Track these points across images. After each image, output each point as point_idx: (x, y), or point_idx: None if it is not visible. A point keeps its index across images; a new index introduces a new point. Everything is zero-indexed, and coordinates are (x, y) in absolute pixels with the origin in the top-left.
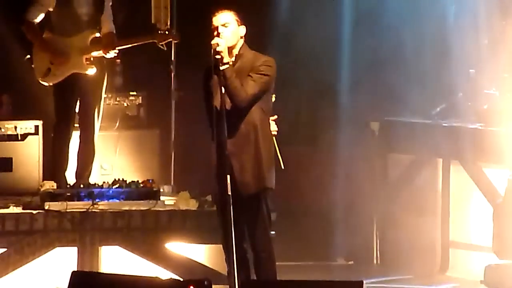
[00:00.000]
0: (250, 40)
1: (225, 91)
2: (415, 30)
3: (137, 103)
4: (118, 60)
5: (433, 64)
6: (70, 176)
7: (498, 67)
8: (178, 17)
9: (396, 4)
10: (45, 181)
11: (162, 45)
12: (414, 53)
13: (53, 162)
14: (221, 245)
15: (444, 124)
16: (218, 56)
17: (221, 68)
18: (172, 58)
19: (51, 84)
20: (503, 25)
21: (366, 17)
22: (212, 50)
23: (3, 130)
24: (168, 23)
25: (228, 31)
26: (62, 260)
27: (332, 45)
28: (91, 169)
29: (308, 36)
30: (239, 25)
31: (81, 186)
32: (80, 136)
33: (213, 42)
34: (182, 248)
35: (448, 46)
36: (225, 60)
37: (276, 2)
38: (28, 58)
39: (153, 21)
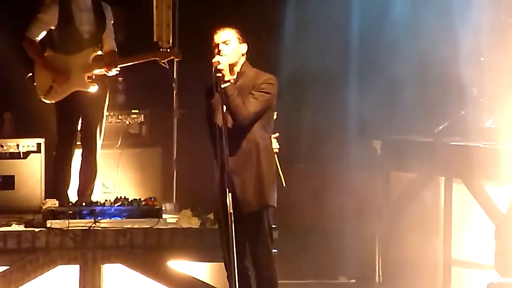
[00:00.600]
0: (254, 56)
1: (226, 109)
2: (417, 48)
3: (139, 121)
4: (121, 78)
5: (436, 82)
6: (72, 194)
7: (501, 86)
8: (180, 34)
9: (400, 22)
10: (47, 199)
11: (164, 63)
12: (416, 72)
13: (55, 181)
14: (223, 263)
15: (446, 143)
16: (219, 74)
17: (222, 86)
18: (174, 76)
19: (53, 102)
20: (504, 43)
21: (370, 35)
22: (213, 68)
23: (5, 148)
24: (170, 41)
25: (229, 48)
26: (64, 278)
27: (335, 63)
28: (93, 187)
29: (312, 54)
30: (240, 43)
31: (83, 204)
32: (82, 154)
33: (214, 60)
34: (184, 266)
35: (450, 64)
36: (226, 78)
37: (282, 19)
38: (30, 76)
39: (155, 39)
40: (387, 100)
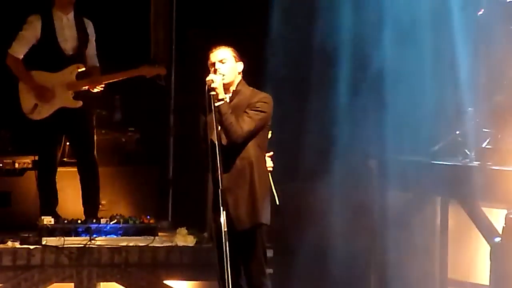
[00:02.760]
0: (248, 76)
1: (220, 127)
2: (413, 68)
3: (135, 139)
4: (117, 96)
5: (431, 102)
6: (72, 212)
7: (497, 106)
8: (177, 52)
9: (393, 42)
10: (43, 216)
11: (160, 80)
12: (412, 91)
13: (42, 199)
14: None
15: (442, 163)
16: (213, 93)
17: (216, 104)
18: (171, 94)
19: (39, 119)
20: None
21: (364, 56)
22: (207, 87)
23: (1, 165)
24: (167, 58)
25: (225, 67)
26: None
27: (330, 82)
28: (99, 203)
29: (306, 72)
30: (236, 61)
31: (79, 221)
32: (79, 172)
33: (207, 78)
34: (179, 284)
35: (446, 84)
36: (220, 96)
37: (277, 39)
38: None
39: (152, 56)
40: (383, 119)
